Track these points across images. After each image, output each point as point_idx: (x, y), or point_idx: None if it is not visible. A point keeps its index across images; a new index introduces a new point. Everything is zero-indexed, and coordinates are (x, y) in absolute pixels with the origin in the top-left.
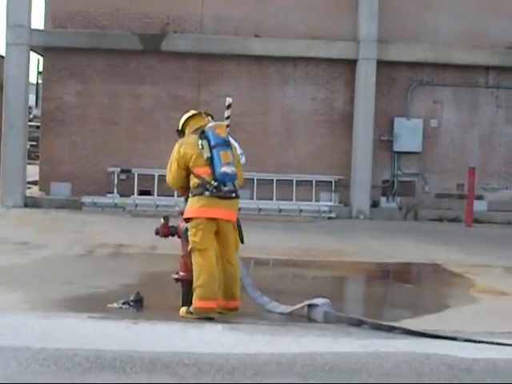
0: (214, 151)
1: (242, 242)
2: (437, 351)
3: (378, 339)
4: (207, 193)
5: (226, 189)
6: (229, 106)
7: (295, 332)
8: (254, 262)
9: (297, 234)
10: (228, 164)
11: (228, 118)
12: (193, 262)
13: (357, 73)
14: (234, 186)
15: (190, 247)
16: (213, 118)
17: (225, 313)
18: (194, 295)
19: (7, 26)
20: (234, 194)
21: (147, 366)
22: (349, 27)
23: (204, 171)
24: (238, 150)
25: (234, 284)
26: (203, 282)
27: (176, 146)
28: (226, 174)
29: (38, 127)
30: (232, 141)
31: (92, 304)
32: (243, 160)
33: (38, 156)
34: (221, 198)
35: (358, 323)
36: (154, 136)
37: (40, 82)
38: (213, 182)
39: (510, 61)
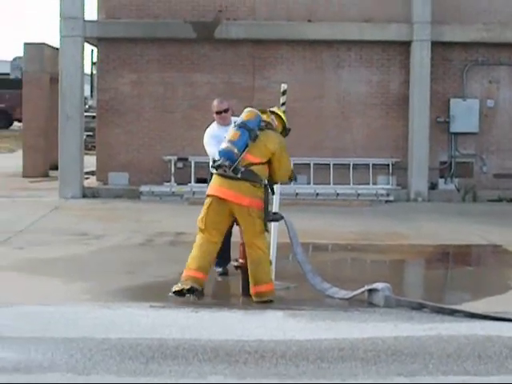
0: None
1: (266, 229)
2: (500, 334)
3: (440, 323)
4: (213, 169)
5: (216, 164)
6: (284, 92)
7: (356, 317)
8: (313, 247)
9: (355, 218)
10: (229, 141)
11: (283, 104)
12: None
13: (411, 55)
14: (236, 167)
15: None
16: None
17: (256, 299)
18: None
19: (61, 18)
20: (231, 173)
21: (209, 355)
22: (402, 9)
23: None
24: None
25: (257, 269)
26: (189, 258)
27: None
28: (221, 149)
29: (93, 117)
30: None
31: (153, 293)
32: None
33: (94, 146)
34: (222, 176)
35: (419, 307)
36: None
37: (94, 72)
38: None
39: None
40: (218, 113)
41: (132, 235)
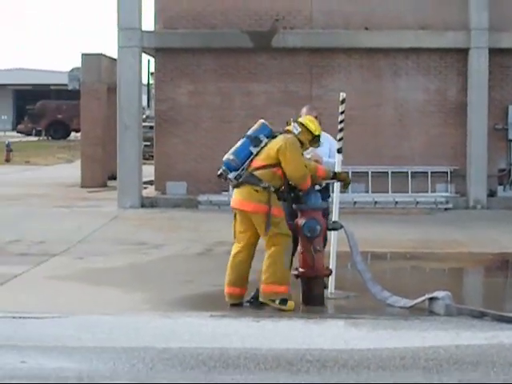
0: None
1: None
2: None
3: (502, 331)
4: None
5: (217, 173)
6: (343, 101)
7: (417, 326)
8: (372, 255)
9: (414, 226)
10: (230, 152)
11: (342, 112)
12: None
13: (469, 62)
14: (238, 174)
15: None
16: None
17: (261, 298)
18: None
19: (119, 28)
20: (234, 181)
21: (271, 364)
22: (459, 16)
23: None
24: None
25: (269, 268)
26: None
27: None
28: (223, 159)
29: (151, 127)
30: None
31: (213, 302)
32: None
33: (151, 156)
34: (235, 186)
35: (480, 315)
36: None
37: (151, 82)
38: None
39: None
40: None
41: (191, 244)
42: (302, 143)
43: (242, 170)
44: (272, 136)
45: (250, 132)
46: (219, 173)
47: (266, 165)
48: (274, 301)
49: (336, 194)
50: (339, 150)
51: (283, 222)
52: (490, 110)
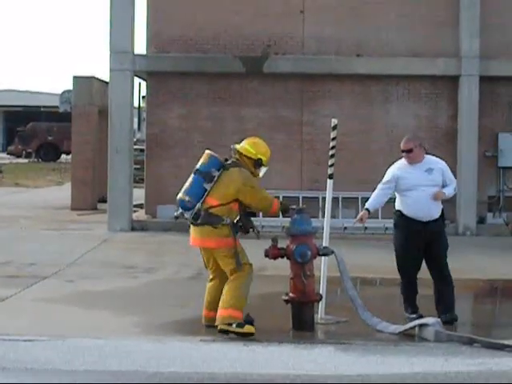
0: None
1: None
2: None
3: (491, 358)
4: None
5: (174, 215)
6: (334, 127)
7: (407, 352)
8: (361, 281)
9: None
10: (183, 191)
11: (334, 138)
12: None
13: (459, 89)
14: (194, 212)
15: None
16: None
17: (217, 323)
18: None
19: (111, 52)
20: (194, 221)
21: None
22: (450, 43)
23: None
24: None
25: (227, 293)
26: None
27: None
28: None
29: (141, 150)
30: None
31: (203, 327)
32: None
33: (142, 179)
34: (192, 224)
35: (470, 342)
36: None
37: (142, 105)
38: None
39: None
40: (402, 151)
41: (181, 269)
42: (250, 171)
43: (198, 208)
44: (223, 167)
45: (199, 166)
46: (176, 215)
47: (222, 204)
48: (230, 324)
49: (327, 220)
50: (330, 176)
51: (244, 252)
52: (480, 137)
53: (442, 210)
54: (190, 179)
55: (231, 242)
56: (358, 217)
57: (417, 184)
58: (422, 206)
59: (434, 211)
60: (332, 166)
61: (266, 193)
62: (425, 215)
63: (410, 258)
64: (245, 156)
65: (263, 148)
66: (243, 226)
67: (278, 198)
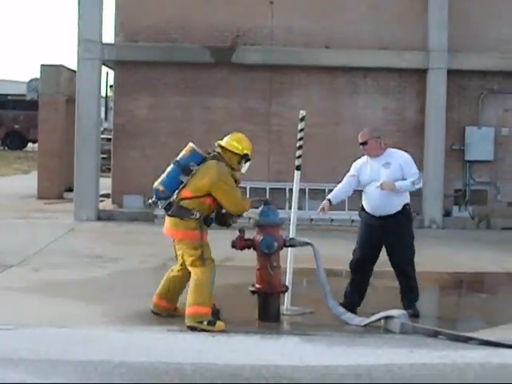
0: None
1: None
2: None
3: (455, 350)
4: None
5: (151, 201)
6: (302, 119)
7: (373, 343)
8: (328, 272)
9: None
10: (159, 180)
11: (302, 130)
12: None
13: (427, 82)
14: (168, 203)
15: None
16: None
17: (187, 321)
18: None
19: (79, 40)
20: (166, 211)
21: (227, 380)
22: (418, 37)
23: None
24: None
25: (193, 291)
26: None
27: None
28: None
29: (108, 140)
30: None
31: (170, 317)
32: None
33: (108, 169)
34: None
35: (435, 334)
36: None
37: (109, 95)
38: None
39: None
40: (359, 144)
41: (147, 259)
42: (232, 167)
43: (172, 199)
44: (203, 161)
45: (179, 158)
46: (149, 202)
47: (195, 196)
48: (201, 322)
49: (293, 211)
50: (298, 168)
51: (209, 247)
52: (447, 131)
53: (406, 206)
54: (169, 169)
55: (197, 235)
56: (320, 207)
57: (372, 178)
58: (374, 201)
59: (389, 207)
60: (300, 157)
61: (240, 195)
62: (378, 210)
63: (363, 252)
64: (230, 151)
65: (248, 143)
66: (219, 220)
67: (244, 188)
